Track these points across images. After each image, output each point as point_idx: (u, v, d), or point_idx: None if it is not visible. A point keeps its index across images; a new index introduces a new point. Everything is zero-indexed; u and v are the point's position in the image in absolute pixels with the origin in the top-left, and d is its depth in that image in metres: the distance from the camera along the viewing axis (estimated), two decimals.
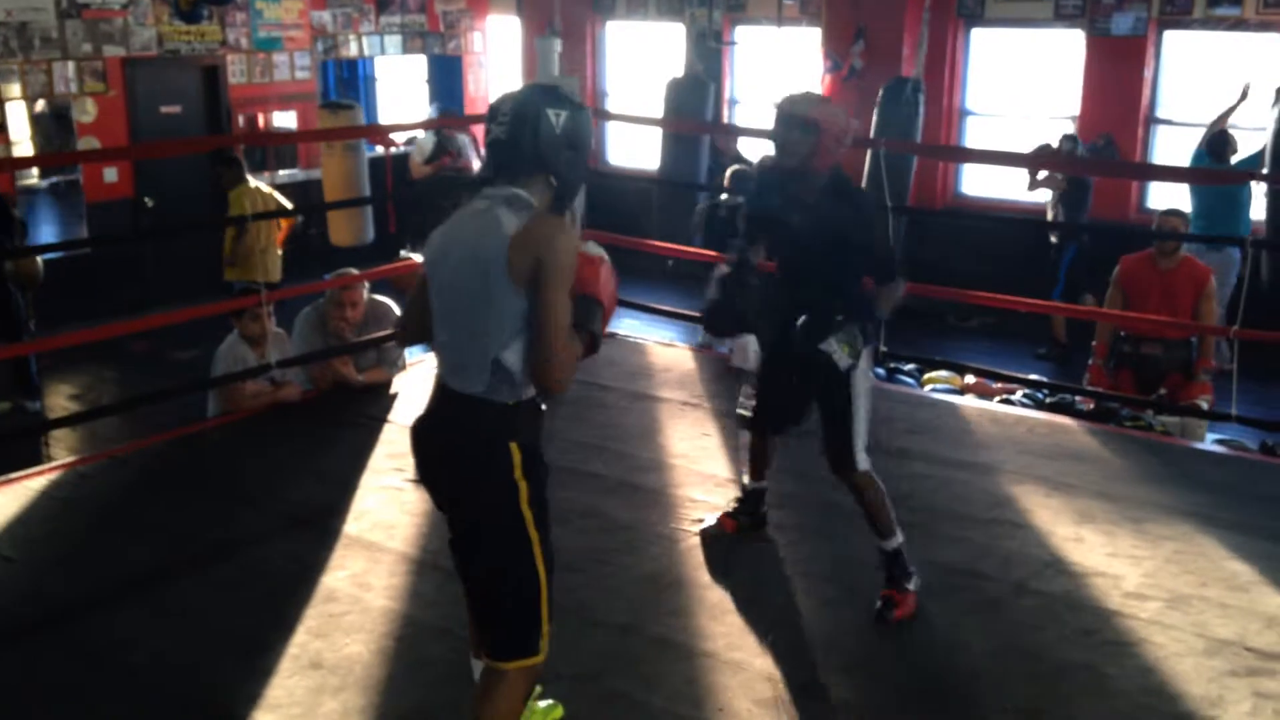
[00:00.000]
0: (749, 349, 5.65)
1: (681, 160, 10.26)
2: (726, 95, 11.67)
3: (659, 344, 6.26)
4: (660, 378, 5.54)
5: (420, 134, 10.26)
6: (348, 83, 12.40)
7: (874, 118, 8.87)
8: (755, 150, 9.25)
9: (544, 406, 2.41)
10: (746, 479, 3.91)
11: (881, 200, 3.58)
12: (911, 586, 3.41)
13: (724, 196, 6.99)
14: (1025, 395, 5.73)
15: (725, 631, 3.31)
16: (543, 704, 2.85)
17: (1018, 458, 4.58)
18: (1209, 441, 5.32)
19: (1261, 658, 3.17)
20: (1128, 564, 3.70)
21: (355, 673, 3.10)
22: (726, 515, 3.89)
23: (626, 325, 7.03)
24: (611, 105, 11.76)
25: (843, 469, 3.47)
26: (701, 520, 3.94)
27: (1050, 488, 4.26)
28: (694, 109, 10.03)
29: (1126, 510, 4.09)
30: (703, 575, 3.64)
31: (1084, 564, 3.70)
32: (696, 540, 3.86)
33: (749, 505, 3.90)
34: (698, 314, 6.58)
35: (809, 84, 10.95)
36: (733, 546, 3.82)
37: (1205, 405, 5.38)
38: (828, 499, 4.18)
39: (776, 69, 11.55)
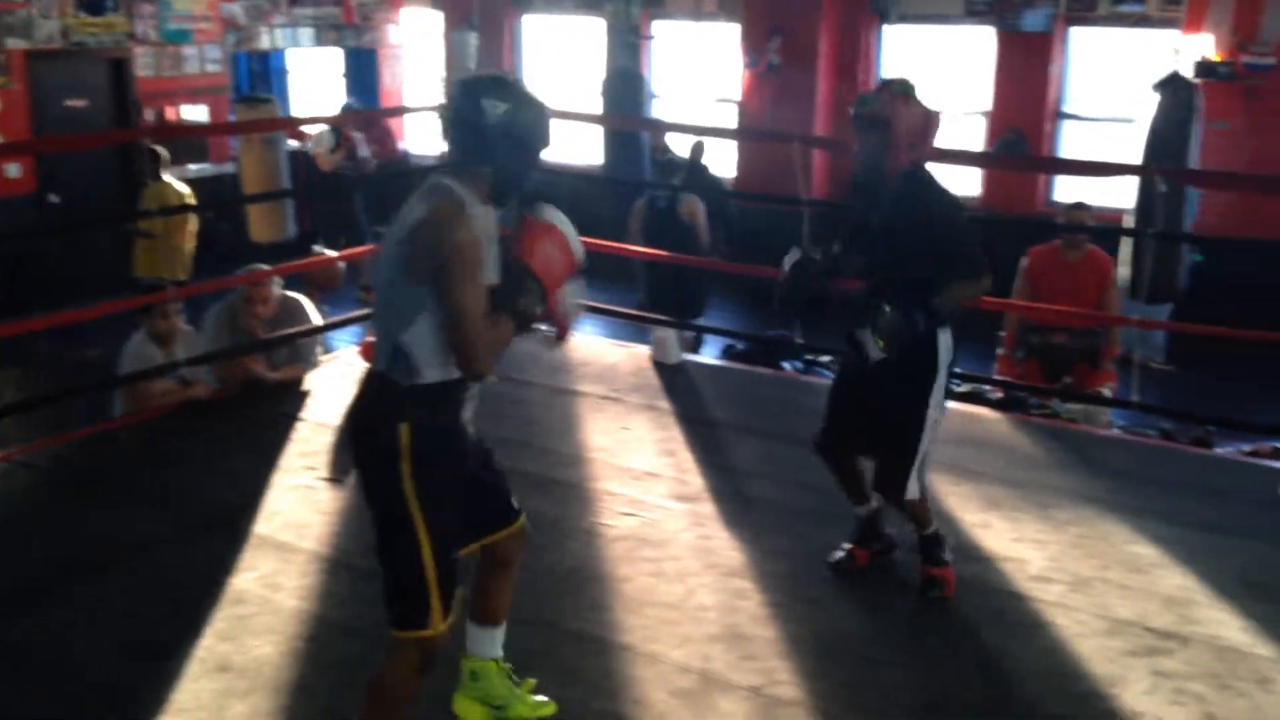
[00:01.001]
0: (668, 343, 5.69)
1: (624, 156, 10.29)
2: (646, 89, 11.68)
3: (579, 337, 6.25)
4: (580, 372, 5.53)
5: (317, 129, 10.11)
6: (260, 76, 12.18)
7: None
8: (683, 145, 9.26)
9: (471, 389, 2.45)
10: (855, 508, 3.60)
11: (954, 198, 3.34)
12: (948, 557, 3.44)
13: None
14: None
15: (643, 624, 3.32)
16: (537, 698, 2.85)
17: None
18: (1112, 428, 5.46)
19: (1160, 637, 3.27)
20: (1033, 548, 3.79)
21: (264, 674, 3.05)
22: (855, 547, 3.61)
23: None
24: None
25: (890, 492, 3.38)
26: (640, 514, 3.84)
27: (959, 475, 4.34)
28: (630, 104, 10.04)
29: (1032, 496, 4.18)
30: (621, 569, 3.65)
31: (991, 549, 3.78)
32: (616, 534, 3.87)
33: (870, 531, 3.62)
34: (623, 310, 6.67)
35: (728, 79, 11.20)
36: (656, 542, 3.83)
37: (1109, 393, 5.52)
38: (745, 491, 4.24)
39: (695, 64, 11.61)
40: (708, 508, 4.09)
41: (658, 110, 11.40)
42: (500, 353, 2.40)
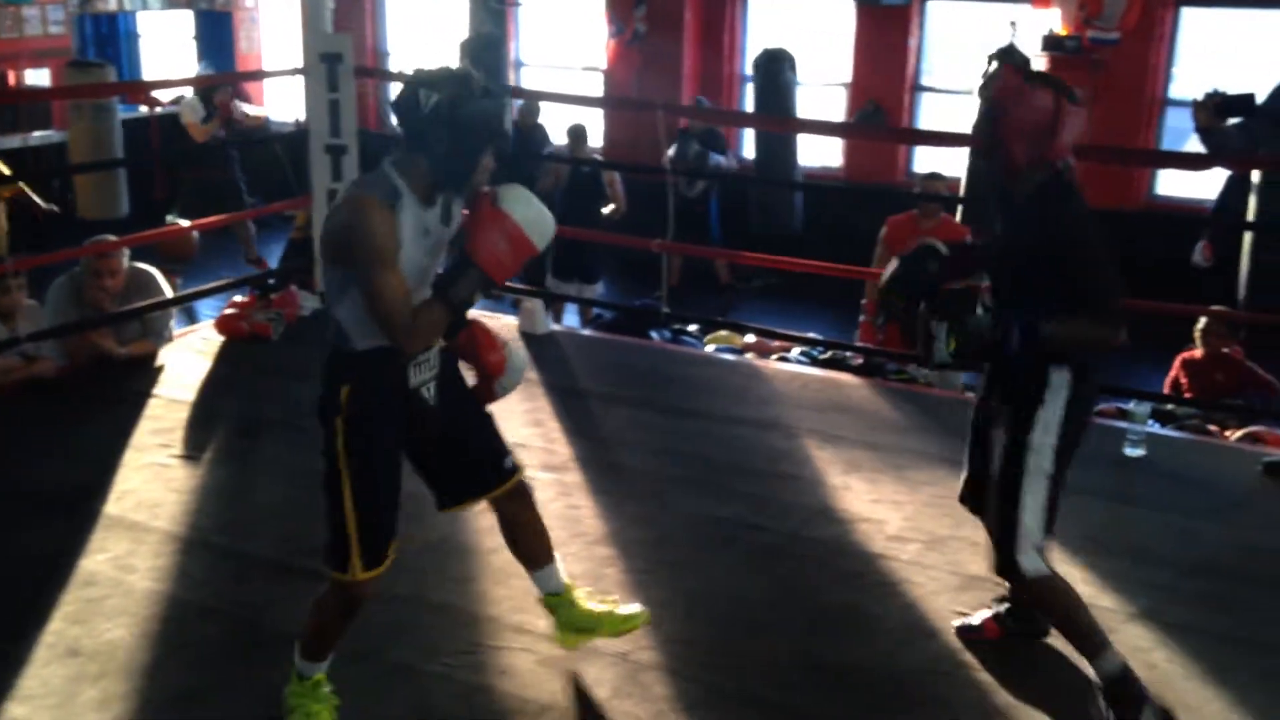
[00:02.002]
0: (536, 313, 5.66)
1: None
2: (512, 58, 11.54)
3: None
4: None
5: (185, 95, 9.69)
6: (107, 39, 11.64)
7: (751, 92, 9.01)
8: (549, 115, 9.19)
9: (421, 356, 2.55)
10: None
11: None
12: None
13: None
14: (802, 353, 5.94)
15: (509, 595, 3.31)
16: (625, 610, 2.97)
17: (792, 412, 4.75)
18: (965, 392, 5.63)
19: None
20: (890, 509, 3.90)
21: (117, 658, 2.95)
22: (991, 619, 3.15)
23: None
24: (393, 66, 11.46)
25: (1004, 569, 2.75)
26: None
27: (822, 439, 4.44)
28: (491, 70, 9.87)
29: (890, 458, 4.30)
30: (486, 541, 3.62)
31: (851, 510, 3.88)
32: (481, 506, 3.82)
33: (1014, 608, 3.12)
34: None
35: (594, 48, 11.16)
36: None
37: None
38: (612, 460, 4.26)
39: (561, 32, 11.52)
40: (575, 477, 4.10)
41: (524, 79, 11.30)
42: (431, 335, 2.49)
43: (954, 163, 7.77)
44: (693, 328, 6.55)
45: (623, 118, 10.37)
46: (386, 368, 2.51)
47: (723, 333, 6.43)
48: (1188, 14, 9.30)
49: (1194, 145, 5.12)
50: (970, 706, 2.89)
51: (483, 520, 3.73)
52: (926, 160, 9.86)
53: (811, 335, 6.04)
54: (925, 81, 10.21)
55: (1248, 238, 5.73)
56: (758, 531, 3.72)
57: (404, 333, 2.42)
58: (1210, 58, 9.29)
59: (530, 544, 2.92)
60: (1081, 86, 8.85)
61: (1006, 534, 2.72)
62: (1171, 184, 9.21)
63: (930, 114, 10.12)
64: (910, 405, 4.92)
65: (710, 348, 6.24)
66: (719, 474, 4.14)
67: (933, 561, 3.56)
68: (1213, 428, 5.15)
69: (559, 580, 2.95)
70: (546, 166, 7.55)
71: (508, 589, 3.35)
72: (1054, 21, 9.15)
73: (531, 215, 2.47)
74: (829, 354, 5.82)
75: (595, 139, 10.68)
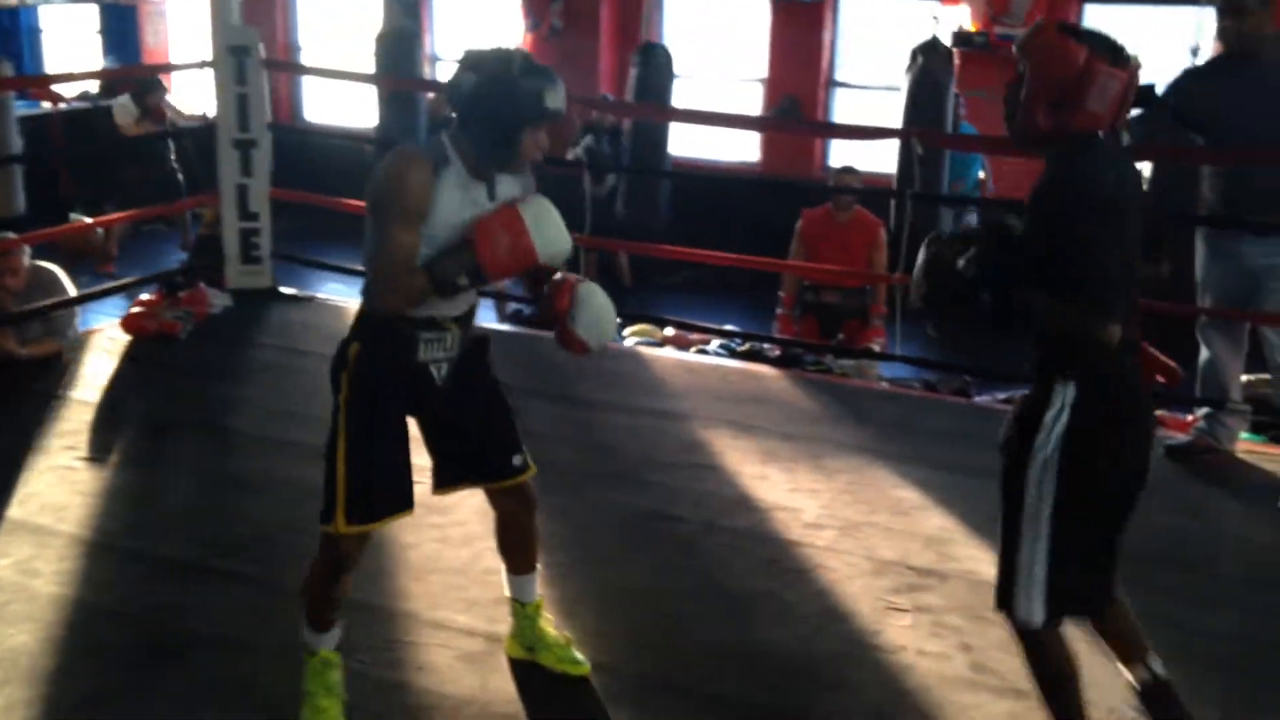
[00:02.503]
0: None
1: (398, 119, 10.01)
2: (428, 52, 11.45)
3: (334, 300, 6.13)
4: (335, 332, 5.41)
5: (120, 98, 9.43)
6: (9, 34, 11.31)
7: (630, 82, 8.95)
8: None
9: (441, 332, 2.56)
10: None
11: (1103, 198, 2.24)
12: None
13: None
14: (720, 345, 5.99)
15: (426, 591, 3.29)
16: (572, 654, 2.91)
17: (710, 404, 4.79)
18: (881, 382, 5.74)
19: (921, 575, 3.47)
20: (807, 497, 3.95)
21: (20, 665, 2.87)
22: None
23: (329, 289, 6.83)
24: (306, 59, 11.31)
25: (1000, 603, 2.44)
26: None
27: (739, 430, 4.48)
28: (406, 65, 9.78)
29: (806, 448, 4.35)
30: (405, 536, 3.59)
31: (768, 499, 3.92)
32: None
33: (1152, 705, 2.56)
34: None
35: (510, 41, 11.03)
36: (441, 508, 3.78)
37: (878, 348, 5.80)
38: (533, 454, 4.23)
39: (478, 25, 11.45)
40: None
41: (440, 73, 11.20)
42: (409, 300, 2.47)
43: (868, 157, 7.89)
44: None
45: None
46: (397, 334, 2.54)
47: (642, 326, 6.45)
48: (1090, 10, 9.55)
49: None
50: (884, 687, 2.94)
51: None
52: (842, 155, 10.00)
53: (728, 327, 6.09)
54: (840, 77, 10.34)
55: None
56: (676, 522, 3.74)
57: (389, 290, 2.46)
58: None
59: (517, 548, 2.90)
60: (991, 81, 9.17)
61: (1006, 575, 2.39)
62: None
63: (845, 109, 10.24)
64: (826, 396, 4.99)
65: (630, 341, 6.26)
66: (638, 466, 4.16)
67: (848, 547, 3.61)
68: None
69: (531, 592, 2.94)
70: None
71: (424, 585, 3.33)
72: (964, 18, 9.32)
73: (545, 227, 2.48)
74: (747, 346, 5.87)
75: None
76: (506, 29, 11.12)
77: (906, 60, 8.15)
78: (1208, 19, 7.39)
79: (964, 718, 2.82)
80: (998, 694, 2.90)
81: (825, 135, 9.92)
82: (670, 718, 2.80)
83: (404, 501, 2.63)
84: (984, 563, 3.52)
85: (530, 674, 2.92)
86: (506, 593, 2.95)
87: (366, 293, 2.56)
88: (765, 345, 5.88)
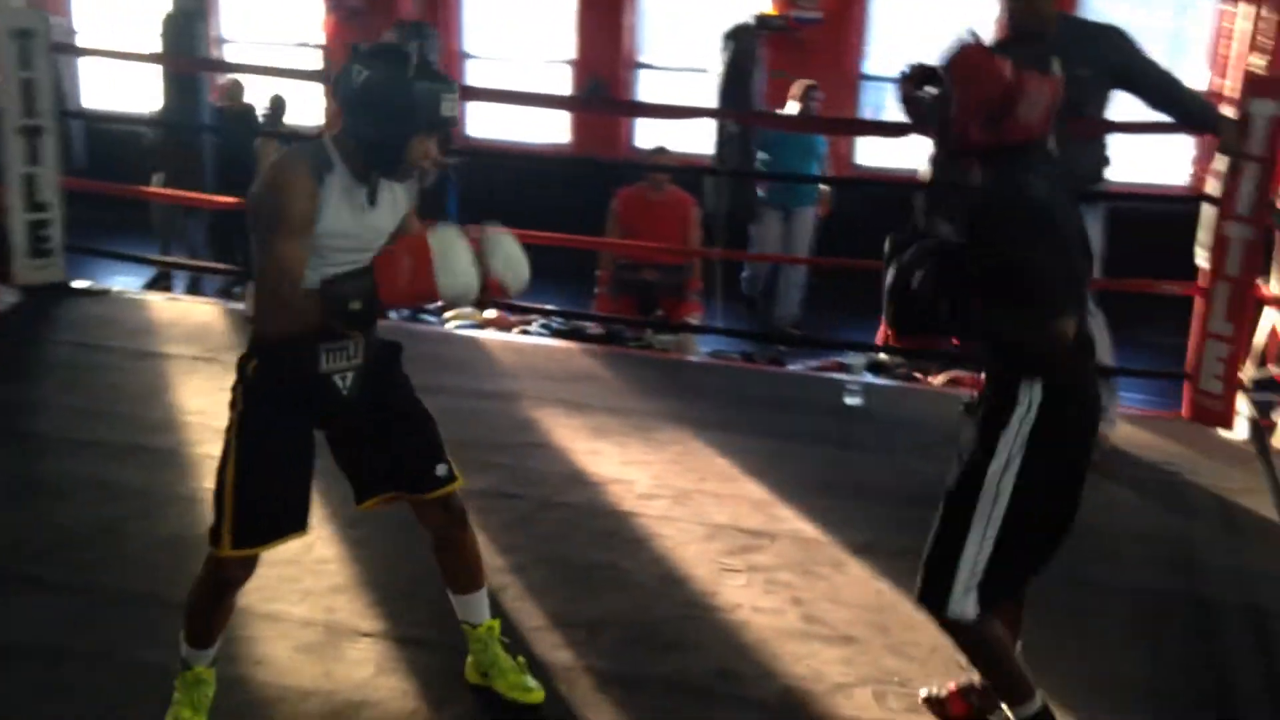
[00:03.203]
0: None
1: (180, 102, 9.62)
2: (214, 34, 11.02)
3: (165, 298, 5.89)
4: (167, 333, 5.21)
5: None
6: None
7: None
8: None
9: (343, 342, 2.45)
10: None
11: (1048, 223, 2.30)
12: None
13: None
14: (541, 325, 6.02)
15: (259, 584, 3.17)
16: (526, 681, 2.76)
17: (539, 383, 4.82)
18: (700, 355, 5.89)
19: (752, 536, 3.60)
20: (639, 469, 4.04)
21: None
22: (957, 692, 2.75)
23: (122, 280, 6.53)
24: (81, 41, 10.71)
25: (926, 601, 2.45)
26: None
27: (568, 408, 4.52)
28: (188, 46, 9.39)
29: (635, 422, 4.44)
30: None
31: (601, 474, 3.99)
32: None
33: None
34: (201, 264, 6.36)
35: (309, 24, 10.80)
36: None
37: (695, 323, 5.95)
38: None
39: (270, 7, 11.10)
40: (321, 461, 3.98)
41: (227, 55, 10.82)
42: (301, 319, 2.35)
43: (679, 138, 8.05)
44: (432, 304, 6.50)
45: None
46: (297, 346, 2.42)
47: (463, 309, 6.40)
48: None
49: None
50: (724, 644, 3.04)
51: None
52: (650, 136, 10.15)
53: (548, 307, 6.11)
54: (645, 59, 10.48)
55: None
56: (512, 500, 3.76)
57: (276, 303, 2.36)
58: (902, 36, 9.99)
59: (455, 565, 2.76)
60: (788, 64, 9.47)
61: (942, 565, 2.39)
62: (870, 154, 9.86)
63: (651, 90, 10.40)
64: (650, 370, 5.10)
65: (450, 324, 6.21)
66: (468, 448, 4.11)
67: (680, 515, 3.71)
68: (918, 375, 5.60)
69: (481, 613, 2.79)
70: (266, 143, 7.31)
71: (256, 579, 3.18)
72: (764, 2, 9.58)
73: (452, 262, 2.30)
74: (568, 325, 5.92)
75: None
76: (303, 11, 10.82)
77: (713, 43, 8.36)
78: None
79: (800, 666, 2.95)
80: (829, 642, 3.05)
81: (641, 115, 10.02)
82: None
83: (296, 523, 2.54)
84: (809, 521, 3.70)
85: (372, 660, 2.90)
86: (458, 615, 2.80)
87: (258, 310, 2.46)
88: (587, 324, 5.93)
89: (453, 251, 2.31)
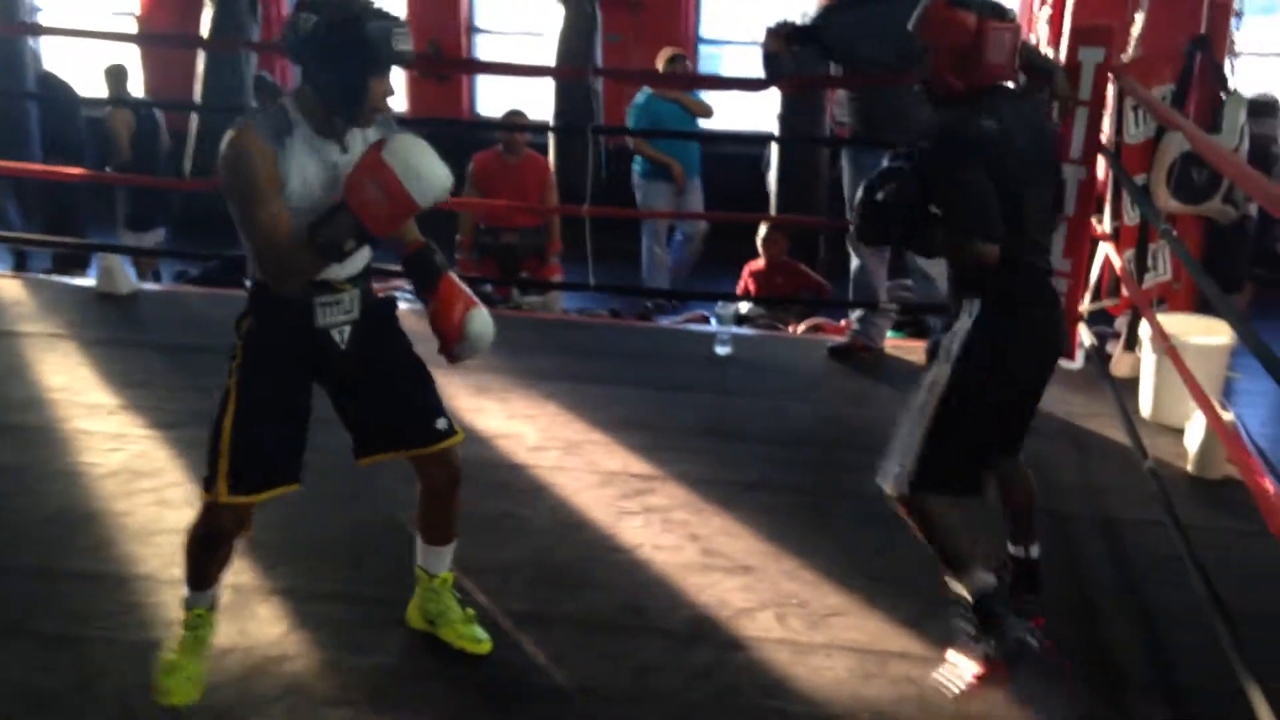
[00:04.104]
0: (115, 271, 5.28)
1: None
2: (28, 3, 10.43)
3: (6, 277, 5.64)
4: (15, 312, 5.00)
5: None
6: None
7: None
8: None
9: (334, 296, 2.47)
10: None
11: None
12: (991, 647, 2.66)
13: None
14: (404, 290, 5.97)
15: (158, 553, 3.16)
16: (473, 630, 2.82)
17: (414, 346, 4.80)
18: (570, 312, 5.98)
19: (644, 480, 3.72)
20: (525, 423, 4.11)
21: None
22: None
23: None
24: None
25: (879, 478, 2.72)
26: None
27: (446, 369, 4.46)
28: (6, 14, 8.96)
29: (515, 379, 4.50)
30: (119, 504, 3.43)
31: (490, 429, 4.04)
32: (103, 471, 3.62)
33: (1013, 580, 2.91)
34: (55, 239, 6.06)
35: None
36: (151, 472, 3.63)
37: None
38: None
39: None
40: (198, 431, 3.86)
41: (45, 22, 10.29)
42: (305, 274, 2.37)
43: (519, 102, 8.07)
44: None
45: (166, 64, 9.73)
46: (292, 302, 2.44)
47: None
48: None
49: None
50: (629, 580, 3.15)
51: (106, 485, 3.54)
52: (490, 101, 10.14)
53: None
54: (480, 24, 10.43)
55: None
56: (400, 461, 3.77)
57: (271, 267, 2.35)
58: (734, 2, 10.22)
59: (438, 518, 2.79)
60: (625, 28, 9.57)
61: (891, 451, 2.68)
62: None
63: (487, 54, 10.36)
64: (523, 329, 5.14)
65: None
66: None
67: (573, 464, 3.80)
68: (778, 325, 5.82)
69: (443, 564, 2.84)
70: (117, 113, 7.01)
71: (153, 547, 3.20)
72: None
73: (413, 169, 2.26)
74: None
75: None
76: None
77: (552, 8, 8.41)
78: None
79: (703, 595, 3.09)
80: (728, 572, 3.20)
81: (487, 73, 9.98)
82: (433, 639, 2.85)
83: (289, 475, 2.56)
84: (696, 464, 3.84)
85: (285, 616, 2.91)
86: (418, 562, 2.84)
87: (253, 269, 2.43)
88: None
89: (411, 155, 2.28)
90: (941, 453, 2.61)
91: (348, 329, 2.53)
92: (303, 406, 2.56)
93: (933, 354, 2.68)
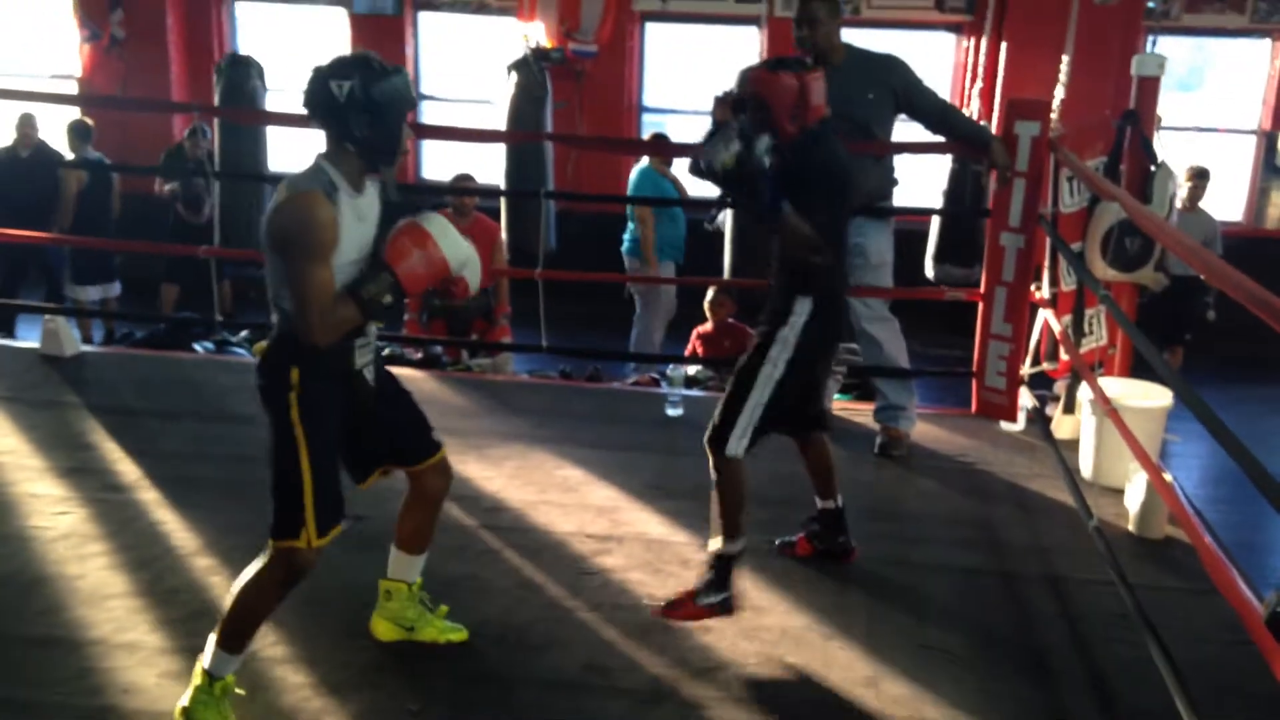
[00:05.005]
0: (60, 333, 5.21)
1: None
2: None
3: None
4: None
5: None
6: None
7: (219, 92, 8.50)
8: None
9: (362, 339, 2.68)
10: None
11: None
12: (712, 600, 3.21)
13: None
14: None
15: (110, 617, 3.12)
16: (448, 624, 3.10)
17: None
18: (518, 375, 6.00)
19: (600, 540, 3.74)
20: (480, 484, 4.12)
21: None
22: (804, 537, 3.72)
23: None
24: None
25: (712, 441, 3.24)
26: None
27: None
28: None
29: (469, 440, 4.50)
30: (71, 568, 3.37)
31: None
32: (54, 534, 3.56)
33: (824, 528, 3.69)
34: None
35: (65, 52, 10.23)
36: (103, 536, 3.57)
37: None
38: (187, 474, 4.08)
39: (21, 35, 10.53)
40: (151, 494, 3.90)
41: None
42: (341, 329, 2.55)
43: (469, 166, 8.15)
44: (242, 334, 6.35)
45: (110, 121, 9.69)
46: (335, 352, 2.61)
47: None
48: (652, 29, 10.37)
49: None
50: (589, 641, 3.16)
51: (56, 548, 3.50)
52: (434, 163, 10.22)
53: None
54: (425, 90, 10.52)
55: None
56: (361, 521, 3.74)
57: (319, 325, 2.50)
58: (676, 69, 10.44)
59: (417, 526, 3.01)
60: (570, 93, 9.71)
61: (727, 417, 3.21)
62: None
63: (434, 121, 10.43)
64: (475, 391, 5.17)
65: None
66: None
67: (529, 525, 3.82)
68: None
69: (417, 573, 3.06)
70: (66, 172, 6.98)
71: (105, 611, 3.15)
72: (540, 34, 9.80)
73: (449, 238, 2.61)
74: (387, 350, 5.91)
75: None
76: (57, 41, 10.31)
77: (500, 75, 8.52)
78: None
79: (664, 655, 3.11)
80: (687, 632, 3.21)
81: (439, 138, 10.01)
82: (393, 700, 2.85)
83: (344, 512, 2.72)
84: (650, 524, 3.88)
85: (242, 680, 2.87)
86: (392, 574, 3.05)
87: (297, 329, 2.54)
88: (405, 349, 5.94)
89: (447, 229, 2.63)
90: (769, 418, 3.22)
91: (371, 367, 2.77)
92: (339, 447, 2.74)
93: (764, 346, 3.20)
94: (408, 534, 3.04)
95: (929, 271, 7.42)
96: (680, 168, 7.18)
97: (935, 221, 7.59)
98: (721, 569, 3.22)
